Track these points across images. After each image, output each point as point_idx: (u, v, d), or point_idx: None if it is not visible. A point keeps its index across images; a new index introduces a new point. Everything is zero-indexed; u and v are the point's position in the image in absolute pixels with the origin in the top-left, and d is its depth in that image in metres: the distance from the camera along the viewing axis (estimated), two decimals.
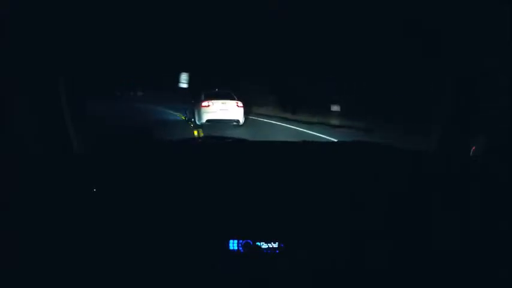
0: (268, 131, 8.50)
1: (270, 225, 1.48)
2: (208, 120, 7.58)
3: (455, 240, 1.44)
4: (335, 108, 10.25)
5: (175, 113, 10.70)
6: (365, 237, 1.46)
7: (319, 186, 1.56)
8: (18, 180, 1.47)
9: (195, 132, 7.30)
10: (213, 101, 7.72)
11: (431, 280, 1.39)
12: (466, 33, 1.77)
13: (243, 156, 1.84)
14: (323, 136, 7.47)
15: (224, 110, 7.71)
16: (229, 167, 1.67)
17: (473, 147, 1.67)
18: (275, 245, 1.46)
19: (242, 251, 1.45)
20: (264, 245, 1.46)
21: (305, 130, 8.58)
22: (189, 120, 8.49)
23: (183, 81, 9.82)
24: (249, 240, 1.46)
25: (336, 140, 5.33)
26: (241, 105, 7.89)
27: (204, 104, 7.68)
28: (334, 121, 9.76)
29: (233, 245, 1.46)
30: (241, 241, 1.46)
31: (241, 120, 7.87)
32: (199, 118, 7.68)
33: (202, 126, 7.62)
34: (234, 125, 7.77)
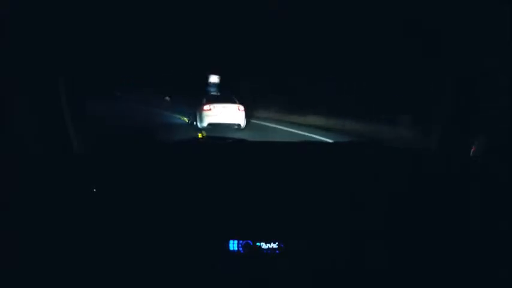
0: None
1: (270, 225, 1.48)
2: (209, 124, 7.61)
3: (455, 240, 1.44)
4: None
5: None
6: (365, 237, 1.46)
7: (319, 186, 1.56)
8: (18, 180, 1.47)
9: (200, 135, 7.32)
10: (214, 104, 7.77)
11: (431, 280, 1.39)
12: (466, 33, 1.77)
13: (243, 156, 1.84)
14: None
15: (225, 113, 7.75)
16: (229, 167, 1.67)
17: (473, 147, 1.67)
18: (275, 246, 1.46)
19: (242, 251, 1.45)
20: (264, 246, 1.46)
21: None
22: (192, 123, 8.55)
23: (213, 84, 9.19)
24: (249, 241, 1.46)
25: None
26: (243, 108, 7.93)
27: (206, 107, 7.72)
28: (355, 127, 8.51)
29: (233, 245, 1.46)
30: (241, 241, 1.46)
31: (243, 123, 7.90)
32: (201, 121, 7.71)
33: (204, 129, 7.65)
34: (236, 129, 7.78)
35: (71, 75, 1.70)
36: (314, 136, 7.54)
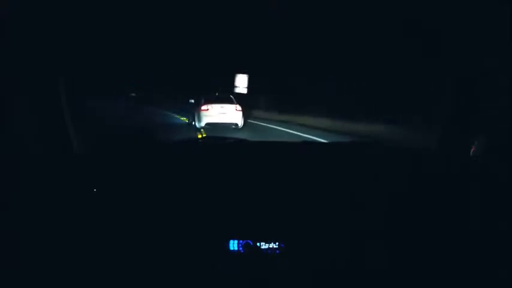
0: None
1: (270, 225, 1.48)
2: (207, 124, 7.82)
3: (456, 240, 1.44)
4: None
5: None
6: (365, 237, 1.46)
7: (319, 186, 1.56)
8: (18, 180, 1.47)
9: (199, 135, 7.39)
10: (212, 104, 7.98)
11: (431, 280, 1.39)
12: (466, 33, 1.77)
13: (243, 156, 1.84)
14: None
15: (223, 113, 7.97)
16: (230, 167, 1.67)
17: (473, 147, 1.67)
18: (275, 246, 1.46)
19: (242, 251, 1.45)
20: (264, 246, 1.46)
21: None
22: (191, 123, 8.69)
23: (241, 84, 8.88)
24: (249, 241, 1.46)
25: None
26: (240, 109, 8.14)
27: (204, 107, 7.94)
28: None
29: (233, 245, 1.46)
30: (241, 241, 1.46)
31: (240, 123, 8.10)
32: (199, 121, 7.92)
33: (202, 129, 7.84)
34: (233, 128, 7.94)
35: (71, 75, 1.70)
36: (312, 137, 7.54)
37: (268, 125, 9.87)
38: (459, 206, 1.50)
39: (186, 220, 1.46)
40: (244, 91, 9.04)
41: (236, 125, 8.01)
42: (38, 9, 1.53)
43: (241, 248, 1.46)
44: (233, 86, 9.16)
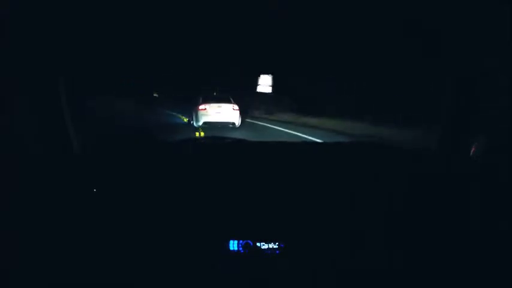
0: None
1: (270, 225, 1.48)
2: (204, 123, 7.95)
3: (456, 240, 1.44)
4: None
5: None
6: (365, 237, 1.46)
7: (319, 186, 1.56)
8: (18, 180, 1.47)
9: (196, 134, 7.45)
10: (209, 104, 8.12)
11: (431, 280, 1.39)
12: (466, 33, 1.77)
13: (242, 156, 1.84)
14: None
15: (220, 112, 8.09)
16: (229, 167, 1.67)
17: (473, 147, 1.67)
18: (275, 246, 1.46)
19: (242, 251, 1.45)
20: (264, 246, 1.46)
21: None
22: (189, 122, 8.82)
23: (265, 84, 8.50)
24: (249, 241, 1.46)
25: None
26: (237, 108, 8.27)
27: (201, 107, 8.08)
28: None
29: (233, 245, 1.46)
30: (241, 241, 1.46)
31: (237, 122, 8.21)
32: (197, 120, 8.07)
33: (200, 128, 7.95)
34: (231, 127, 8.06)
35: (71, 75, 1.70)
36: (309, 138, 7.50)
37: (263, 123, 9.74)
38: (459, 206, 1.50)
39: (186, 220, 1.46)
40: (269, 90, 8.65)
41: (233, 124, 8.11)
42: (38, 9, 1.53)
43: (241, 248, 1.46)
44: (260, 85, 9.00)
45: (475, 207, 1.48)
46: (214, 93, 8.97)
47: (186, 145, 2.09)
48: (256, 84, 9.27)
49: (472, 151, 1.68)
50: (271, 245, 1.46)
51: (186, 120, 9.49)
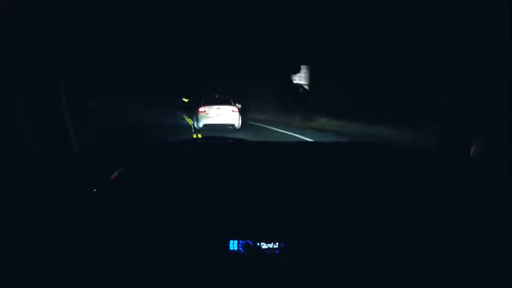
0: None
1: (270, 225, 1.48)
2: (205, 125, 8.10)
3: (455, 240, 1.44)
4: None
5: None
6: (365, 237, 1.46)
7: (319, 186, 1.56)
8: (18, 180, 1.47)
9: (194, 136, 7.53)
10: (209, 106, 8.26)
11: (431, 280, 1.39)
12: (466, 33, 1.77)
13: (242, 156, 1.84)
14: None
15: (220, 115, 8.23)
16: (229, 167, 1.67)
17: (473, 147, 1.67)
18: (275, 246, 1.46)
19: (242, 251, 1.45)
20: (264, 246, 1.46)
21: None
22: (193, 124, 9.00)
23: (301, 75, 7.71)
24: (249, 241, 1.46)
25: None
26: (237, 110, 8.44)
27: (201, 109, 8.24)
28: None
29: (233, 245, 1.46)
30: (241, 241, 1.46)
31: (237, 124, 8.35)
32: (197, 123, 8.24)
33: (200, 130, 8.11)
34: (230, 129, 8.20)
35: (71, 75, 1.70)
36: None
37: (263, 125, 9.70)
38: (459, 206, 1.50)
39: (186, 220, 1.46)
40: (304, 82, 8.03)
41: (233, 125, 8.26)
42: (38, 9, 1.53)
43: (241, 248, 1.46)
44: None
45: (475, 207, 1.48)
46: (216, 96, 9.09)
47: (186, 145, 2.09)
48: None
49: (472, 151, 1.68)
50: (271, 245, 1.46)
51: (190, 122, 9.60)
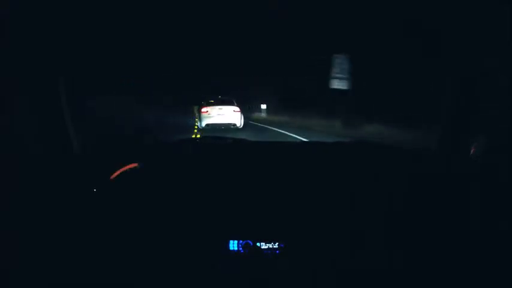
0: None
1: (270, 225, 1.48)
2: (207, 125, 8.35)
3: (455, 240, 1.44)
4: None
5: None
6: (365, 237, 1.46)
7: (319, 186, 1.56)
8: (18, 180, 1.47)
9: (193, 136, 7.63)
10: (212, 106, 8.54)
11: (431, 280, 1.39)
12: (466, 33, 1.77)
13: (242, 156, 1.84)
14: None
15: (222, 114, 8.48)
16: (229, 167, 1.66)
17: (473, 147, 1.67)
18: (275, 246, 1.46)
19: (242, 251, 1.45)
20: (264, 246, 1.46)
21: None
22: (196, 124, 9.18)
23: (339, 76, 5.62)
24: (249, 241, 1.46)
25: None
26: (238, 109, 8.71)
27: (204, 110, 8.51)
28: None
29: (233, 245, 1.46)
30: (241, 241, 1.46)
31: (239, 123, 8.59)
32: (200, 122, 8.49)
33: (203, 129, 8.36)
34: (232, 128, 8.41)
35: (71, 75, 1.70)
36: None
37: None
38: (459, 206, 1.50)
39: (185, 220, 1.46)
40: (343, 85, 6.29)
41: (234, 125, 8.47)
42: (38, 9, 1.53)
43: (241, 248, 1.46)
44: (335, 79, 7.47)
45: (475, 207, 1.48)
46: (219, 96, 9.33)
47: (186, 145, 2.09)
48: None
49: (472, 151, 1.68)
50: (271, 245, 1.46)
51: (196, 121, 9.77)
